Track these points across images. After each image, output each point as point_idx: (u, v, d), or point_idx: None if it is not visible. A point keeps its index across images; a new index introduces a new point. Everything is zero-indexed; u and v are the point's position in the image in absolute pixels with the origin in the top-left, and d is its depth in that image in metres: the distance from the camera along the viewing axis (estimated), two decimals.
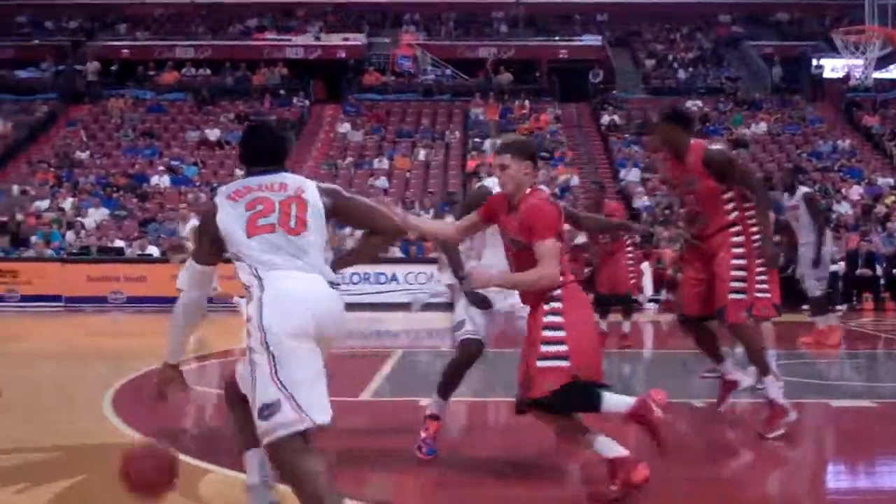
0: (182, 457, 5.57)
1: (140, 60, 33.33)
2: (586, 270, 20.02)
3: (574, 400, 4.70)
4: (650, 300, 19.27)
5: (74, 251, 21.33)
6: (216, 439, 6.65)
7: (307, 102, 31.07)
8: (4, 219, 22.63)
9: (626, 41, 35.91)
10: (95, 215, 23.77)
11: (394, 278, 19.82)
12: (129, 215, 23.88)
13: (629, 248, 11.84)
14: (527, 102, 30.12)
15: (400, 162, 26.87)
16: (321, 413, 3.71)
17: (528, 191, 4.83)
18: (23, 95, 31.56)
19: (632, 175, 25.87)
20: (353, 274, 19.57)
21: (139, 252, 20.81)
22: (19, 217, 22.88)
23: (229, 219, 3.94)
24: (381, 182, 25.56)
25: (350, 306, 3.97)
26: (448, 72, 33.23)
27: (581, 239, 11.82)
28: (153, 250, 20.87)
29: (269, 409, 3.64)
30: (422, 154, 27.30)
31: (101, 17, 36.35)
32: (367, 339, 13.83)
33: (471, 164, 26.10)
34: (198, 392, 8.33)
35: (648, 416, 4.65)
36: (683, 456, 5.63)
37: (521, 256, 4.81)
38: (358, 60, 33.53)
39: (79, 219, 23.34)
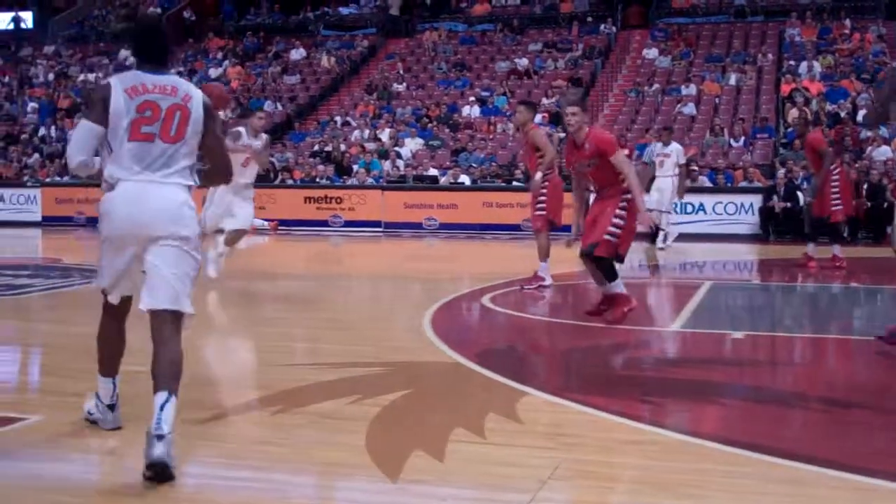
0: (496, 377, 5.92)
1: None
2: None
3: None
4: None
5: (392, 179, 22.58)
6: (527, 362, 6.97)
7: (614, 29, 30.72)
8: (329, 148, 24.32)
9: None
10: (411, 145, 24.97)
11: (701, 208, 19.47)
12: (442, 145, 24.87)
13: (835, 177, 12.49)
14: (848, 21, 28.19)
15: (709, 87, 26.06)
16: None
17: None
18: (345, 31, 33.48)
19: None
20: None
21: (452, 180, 21.69)
22: (343, 147, 24.46)
23: (119, 110, 4.13)
24: (689, 109, 24.97)
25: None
26: None
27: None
28: (465, 179, 21.69)
29: None
30: (732, 78, 26.30)
31: None
32: (677, 271, 13.76)
33: (785, 89, 24.94)
34: (509, 315, 8.72)
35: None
36: None
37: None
38: None
39: (396, 148, 24.60)
